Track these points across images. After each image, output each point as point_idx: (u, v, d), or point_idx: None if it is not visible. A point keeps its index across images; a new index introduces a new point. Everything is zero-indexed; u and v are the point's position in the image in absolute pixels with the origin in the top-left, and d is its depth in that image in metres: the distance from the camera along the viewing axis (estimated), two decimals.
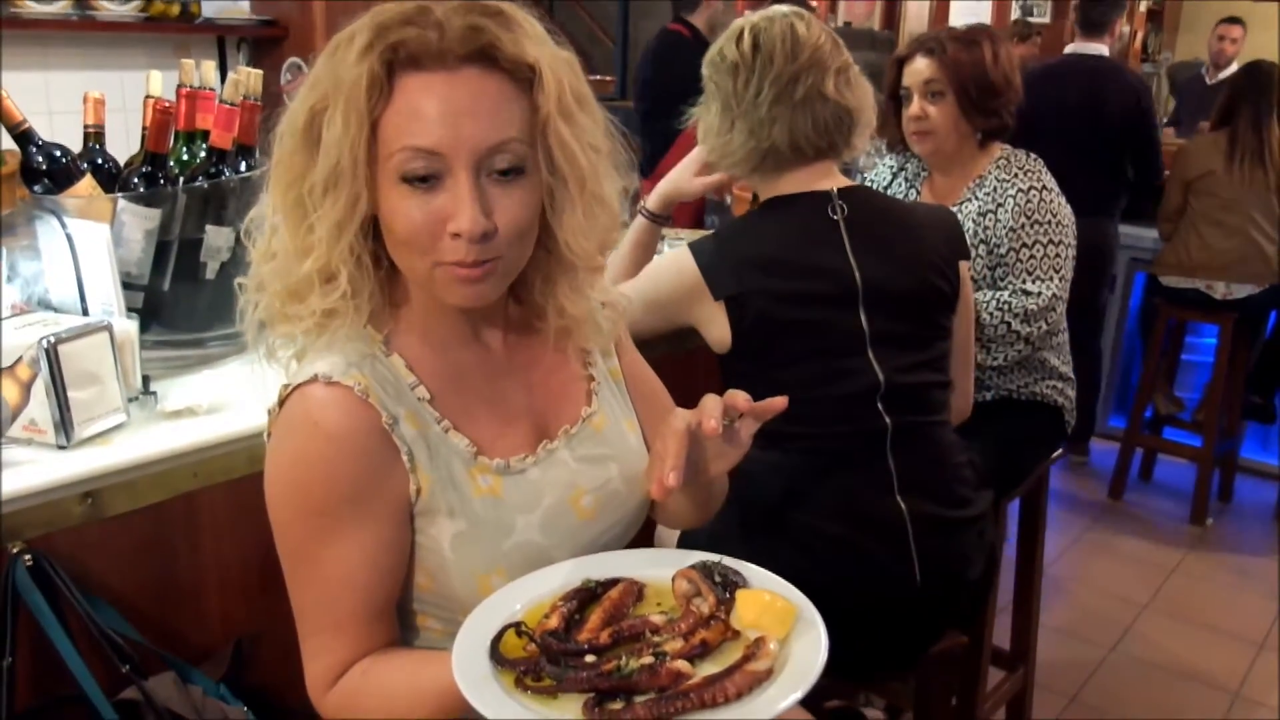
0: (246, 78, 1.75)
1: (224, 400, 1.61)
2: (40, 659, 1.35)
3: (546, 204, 1.14)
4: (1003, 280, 2.28)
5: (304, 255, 1.11)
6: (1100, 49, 4.08)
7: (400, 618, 1.22)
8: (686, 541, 1.85)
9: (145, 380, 1.61)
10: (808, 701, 1.65)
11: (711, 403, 1.10)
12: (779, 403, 1.14)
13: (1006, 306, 2.23)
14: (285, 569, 1.17)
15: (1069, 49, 4.21)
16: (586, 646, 1.01)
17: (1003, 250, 2.28)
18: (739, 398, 1.12)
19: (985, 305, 2.24)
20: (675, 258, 1.81)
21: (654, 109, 4.46)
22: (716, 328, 1.76)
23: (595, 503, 1.27)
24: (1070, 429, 2.45)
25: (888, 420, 1.75)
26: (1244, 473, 4.52)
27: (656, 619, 1.06)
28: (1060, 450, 2.48)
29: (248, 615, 1.58)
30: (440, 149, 1.05)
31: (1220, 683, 3.11)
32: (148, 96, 1.80)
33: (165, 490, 1.48)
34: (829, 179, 1.80)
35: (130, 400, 1.55)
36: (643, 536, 1.41)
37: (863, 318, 1.74)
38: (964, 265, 1.87)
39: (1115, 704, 2.99)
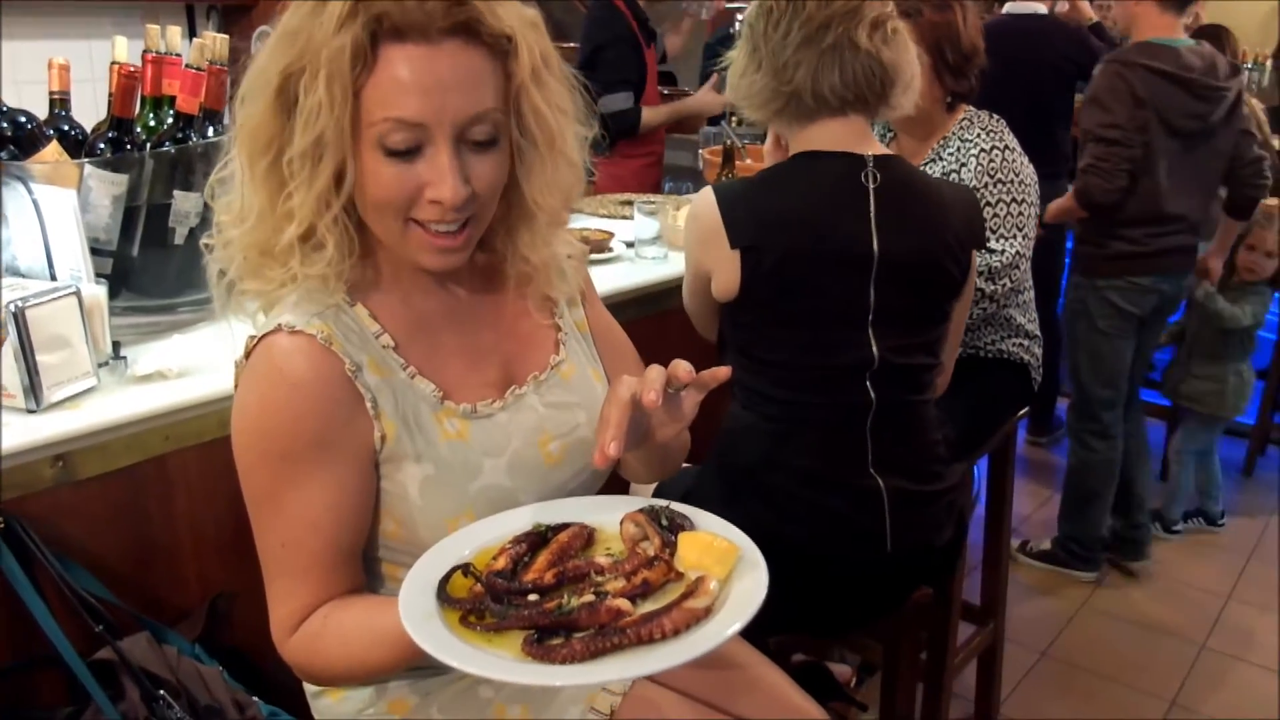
0: (212, 42, 1.75)
1: (195, 364, 1.62)
2: (14, 621, 1.37)
3: (516, 162, 1.17)
4: None
5: (285, 221, 1.12)
6: (1038, 8, 4.06)
7: (368, 567, 1.25)
8: (661, 495, 1.87)
9: (116, 345, 1.61)
10: (775, 656, 1.68)
11: (654, 373, 1.10)
12: (722, 372, 1.15)
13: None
14: (251, 515, 1.19)
15: (1006, 9, 4.16)
16: (531, 586, 1.03)
17: None
18: (681, 369, 1.12)
19: None
20: (698, 202, 1.78)
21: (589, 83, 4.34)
22: (727, 274, 1.73)
23: (562, 449, 1.29)
24: (1037, 385, 2.48)
25: (873, 397, 1.75)
26: None
27: (602, 560, 1.08)
28: (1027, 409, 2.51)
29: (223, 575, 1.60)
30: (423, 120, 1.07)
31: (1188, 635, 3.17)
32: (113, 63, 1.79)
33: (137, 453, 1.50)
34: (865, 142, 1.75)
35: (101, 365, 1.56)
36: (617, 486, 1.43)
37: (871, 292, 1.72)
38: (975, 254, 1.85)
39: (1086, 657, 3.05)
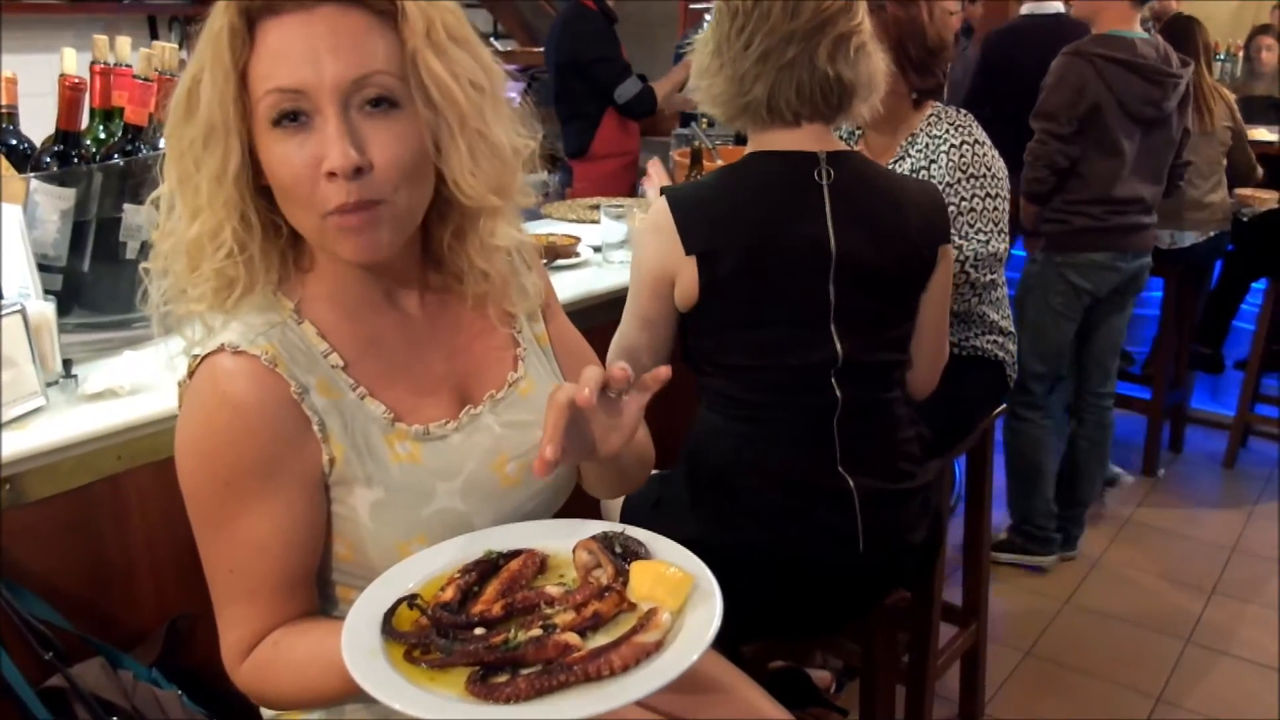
0: (161, 52, 1.72)
1: (147, 381, 1.57)
2: None
3: (431, 146, 1.12)
4: None
5: (194, 219, 1.10)
6: (1055, 7, 4.07)
7: (321, 590, 1.21)
8: (632, 506, 1.85)
9: (67, 363, 1.58)
10: (752, 664, 1.66)
11: (589, 373, 1.07)
12: (662, 372, 1.12)
13: (959, 249, 2.21)
14: (198, 540, 1.15)
15: (1025, 9, 4.18)
16: (478, 619, 1.00)
17: None
18: (616, 368, 1.09)
19: None
20: (651, 213, 1.76)
21: (562, 89, 4.40)
22: (685, 281, 1.71)
23: (519, 469, 1.26)
24: (1012, 382, 2.46)
25: (839, 394, 1.73)
26: (1194, 423, 4.57)
27: (553, 590, 1.05)
28: (1004, 405, 2.49)
29: (181, 596, 1.56)
30: (303, 87, 1.04)
31: (1173, 629, 3.15)
32: (62, 75, 1.76)
33: (89, 473, 1.47)
34: (820, 141, 1.74)
35: (50, 384, 1.52)
36: (585, 502, 1.40)
37: (831, 289, 1.71)
38: (945, 248, 1.82)
39: (1071, 655, 3.03)
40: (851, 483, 1.74)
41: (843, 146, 1.77)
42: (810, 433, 1.75)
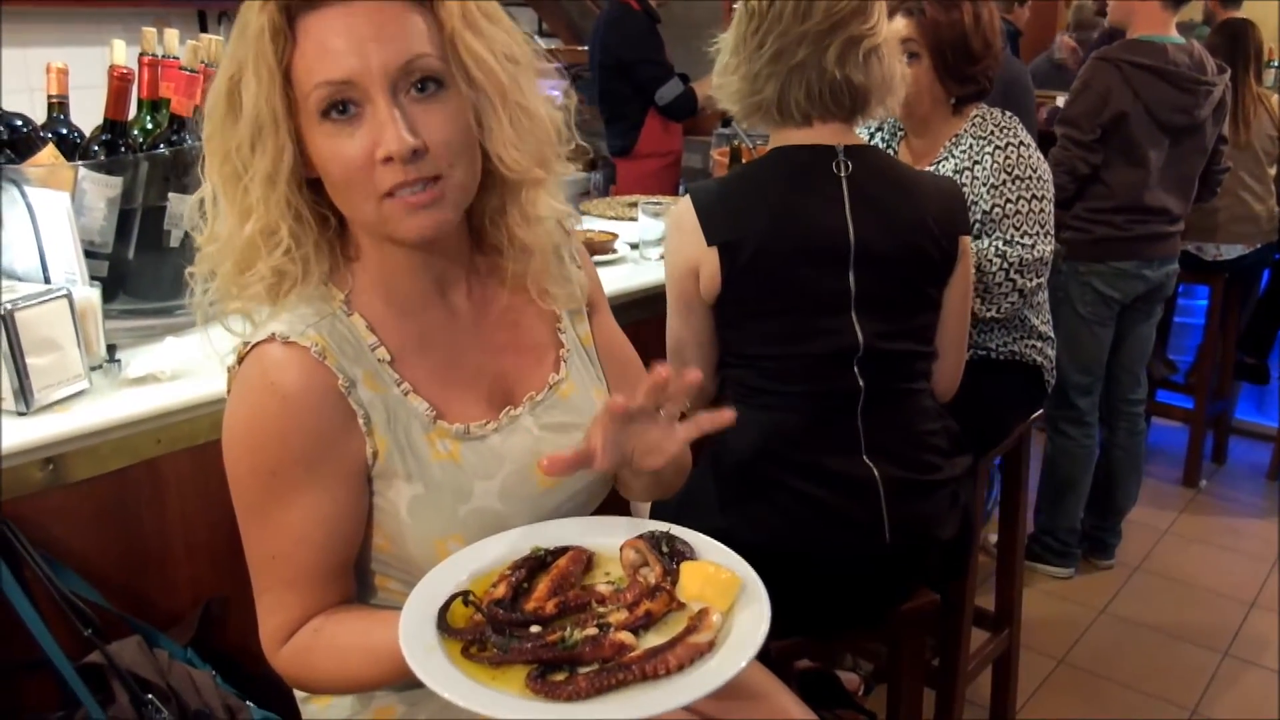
0: (207, 44, 1.75)
1: (188, 367, 1.60)
2: (3, 624, 1.35)
3: (475, 123, 1.13)
4: (990, 237, 2.25)
5: (244, 220, 1.11)
6: None
7: (359, 577, 1.23)
8: (659, 502, 1.85)
9: (111, 348, 1.61)
10: (778, 663, 1.65)
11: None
12: (724, 417, 1.13)
13: (1003, 255, 2.20)
14: (241, 525, 1.17)
15: None
16: (532, 617, 1.01)
17: (985, 207, 2.24)
18: (658, 367, 1.10)
19: (984, 253, 2.20)
20: (676, 211, 1.80)
21: (606, 89, 4.41)
22: (708, 273, 1.74)
23: None
24: (1050, 387, 2.44)
25: (861, 383, 1.75)
26: (1238, 434, 4.51)
27: (603, 589, 1.06)
28: (1040, 409, 2.47)
29: (215, 579, 1.59)
30: (352, 77, 1.05)
31: (1210, 642, 3.11)
32: (112, 65, 1.79)
33: (128, 456, 1.49)
34: (838, 136, 1.77)
35: (94, 368, 1.55)
36: (615, 504, 1.40)
37: (851, 278, 1.73)
38: (965, 240, 1.84)
39: (1104, 665, 3.00)
40: (876, 471, 1.75)
41: (861, 141, 1.80)
42: (834, 421, 1.77)
